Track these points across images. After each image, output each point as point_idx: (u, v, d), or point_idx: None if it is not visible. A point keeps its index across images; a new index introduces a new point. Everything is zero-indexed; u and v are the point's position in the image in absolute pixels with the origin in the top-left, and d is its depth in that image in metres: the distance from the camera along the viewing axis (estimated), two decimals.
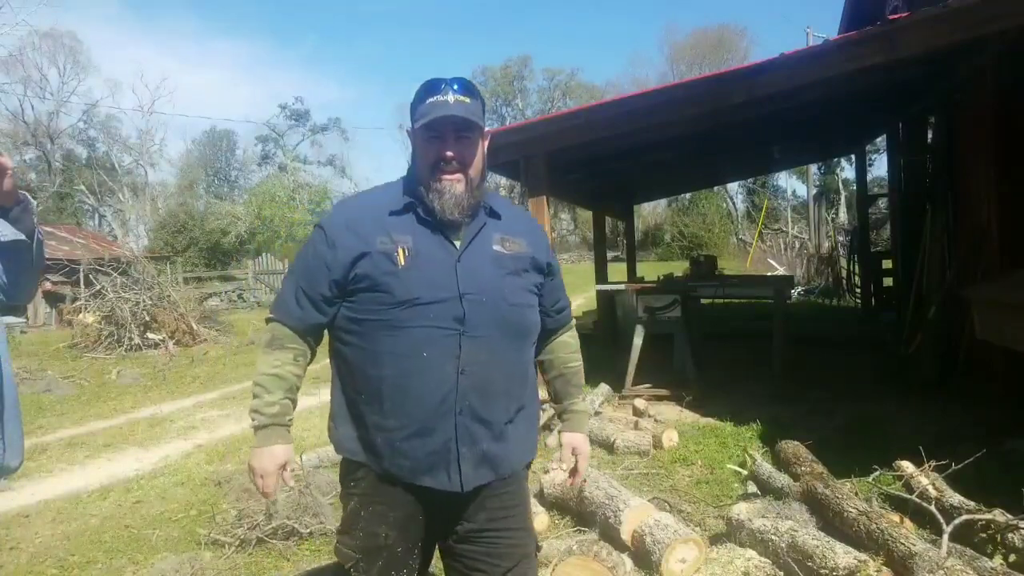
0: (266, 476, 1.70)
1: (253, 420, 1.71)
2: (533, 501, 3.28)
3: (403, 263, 1.61)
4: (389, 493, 1.69)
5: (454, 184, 1.65)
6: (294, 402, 1.74)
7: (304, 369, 1.76)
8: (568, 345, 1.99)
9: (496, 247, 1.71)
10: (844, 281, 14.71)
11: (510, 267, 1.71)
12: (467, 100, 1.66)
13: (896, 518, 2.99)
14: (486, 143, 1.76)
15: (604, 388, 6.12)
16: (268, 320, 1.77)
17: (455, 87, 1.66)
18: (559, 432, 1.96)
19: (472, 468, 1.65)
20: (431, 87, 1.67)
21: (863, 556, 2.59)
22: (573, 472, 1.96)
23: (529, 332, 1.78)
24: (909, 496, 3.27)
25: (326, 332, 1.78)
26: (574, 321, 2.04)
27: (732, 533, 3.10)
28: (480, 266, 1.67)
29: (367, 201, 1.78)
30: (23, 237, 1.69)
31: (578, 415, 1.99)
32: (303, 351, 1.74)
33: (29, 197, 1.72)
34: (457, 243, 1.68)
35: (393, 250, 1.62)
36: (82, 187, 38.62)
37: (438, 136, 1.65)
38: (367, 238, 1.64)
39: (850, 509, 2.94)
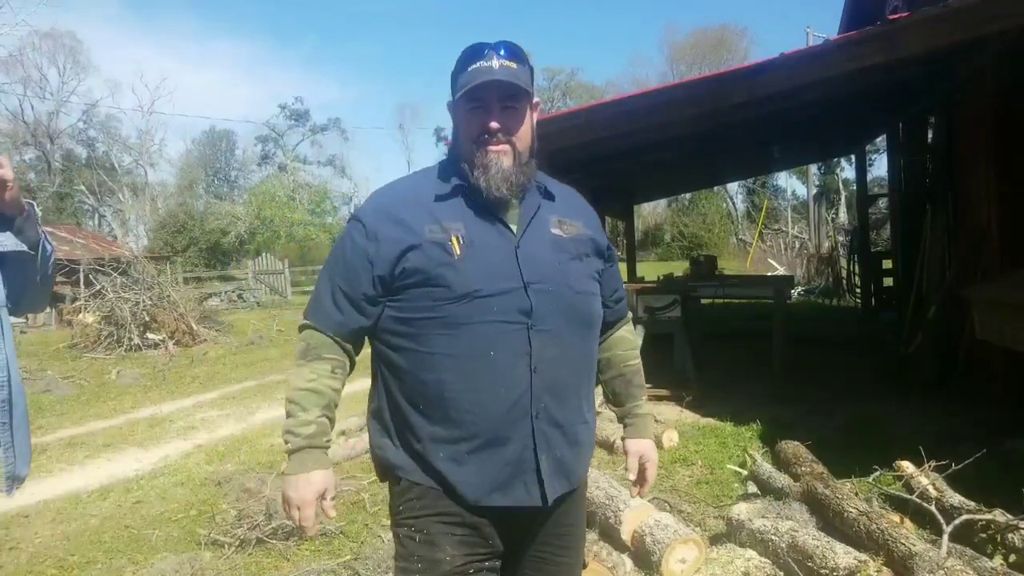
0: (303, 507, 1.48)
1: (286, 443, 1.51)
2: None
3: (459, 252, 1.44)
4: (451, 509, 1.47)
5: (500, 157, 1.48)
6: (332, 420, 1.54)
7: (343, 383, 1.56)
8: (627, 341, 1.81)
9: (554, 231, 1.55)
10: (844, 281, 14.70)
11: (572, 251, 1.55)
12: (513, 65, 1.48)
13: (896, 518, 2.99)
14: (535, 114, 1.59)
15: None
16: (302, 327, 1.56)
17: (501, 51, 1.48)
18: (622, 439, 1.80)
19: (548, 478, 1.47)
20: (474, 52, 1.49)
21: (863, 556, 2.59)
22: (641, 482, 1.77)
23: (595, 323, 1.61)
24: (909, 496, 3.27)
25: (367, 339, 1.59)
26: (631, 314, 1.87)
27: (732, 533, 3.10)
28: (541, 252, 1.50)
29: (407, 187, 1.59)
30: (25, 248, 1.63)
31: (642, 419, 1.79)
32: (341, 362, 1.54)
33: (35, 207, 1.66)
34: (513, 227, 1.51)
35: (446, 239, 1.45)
36: (82, 187, 38.63)
37: (481, 106, 1.48)
38: (414, 228, 1.46)
39: (850, 509, 2.94)
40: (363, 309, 1.51)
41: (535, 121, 1.59)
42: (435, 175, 1.57)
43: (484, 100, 1.48)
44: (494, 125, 1.48)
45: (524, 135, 1.53)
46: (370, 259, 1.48)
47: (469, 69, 1.48)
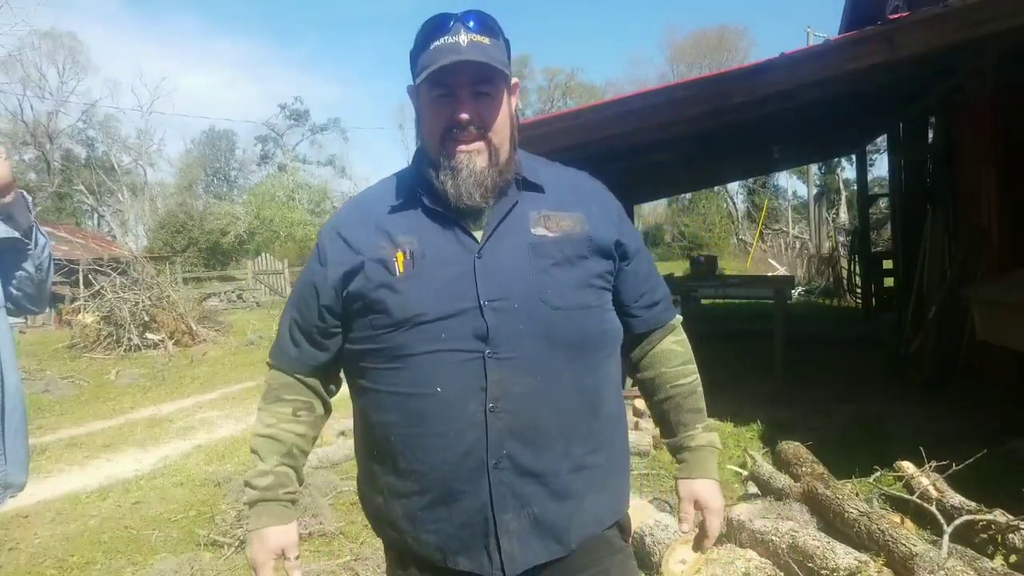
0: (257, 568, 1.31)
1: (245, 495, 1.36)
2: None
3: (402, 271, 1.22)
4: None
5: (472, 156, 1.23)
6: (296, 469, 1.37)
7: (312, 425, 1.39)
8: (674, 355, 1.45)
9: (536, 229, 1.26)
10: (844, 281, 14.70)
11: (556, 255, 1.25)
12: (486, 40, 1.21)
13: (897, 519, 2.99)
14: (515, 98, 1.32)
15: None
16: (269, 366, 1.42)
17: (469, 23, 1.21)
18: (675, 479, 1.46)
19: (519, 542, 1.21)
20: (436, 25, 1.22)
21: (864, 557, 2.59)
22: (699, 537, 1.41)
23: (592, 343, 1.28)
24: (910, 497, 3.27)
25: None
26: (679, 319, 1.50)
27: (733, 534, 3.09)
28: (510, 260, 1.23)
29: (368, 198, 1.38)
30: (17, 235, 1.60)
31: (698, 453, 1.42)
32: (306, 403, 1.37)
33: (24, 194, 1.61)
34: (478, 234, 1.26)
35: (391, 256, 1.24)
36: (81, 187, 38.57)
37: (448, 93, 1.22)
38: (362, 246, 1.27)
39: (851, 510, 2.94)
40: (318, 342, 1.34)
41: (515, 106, 1.32)
42: (400, 181, 1.36)
43: (451, 86, 1.22)
44: (464, 117, 1.22)
45: (501, 126, 1.26)
46: (317, 286, 1.31)
47: (432, 47, 1.22)
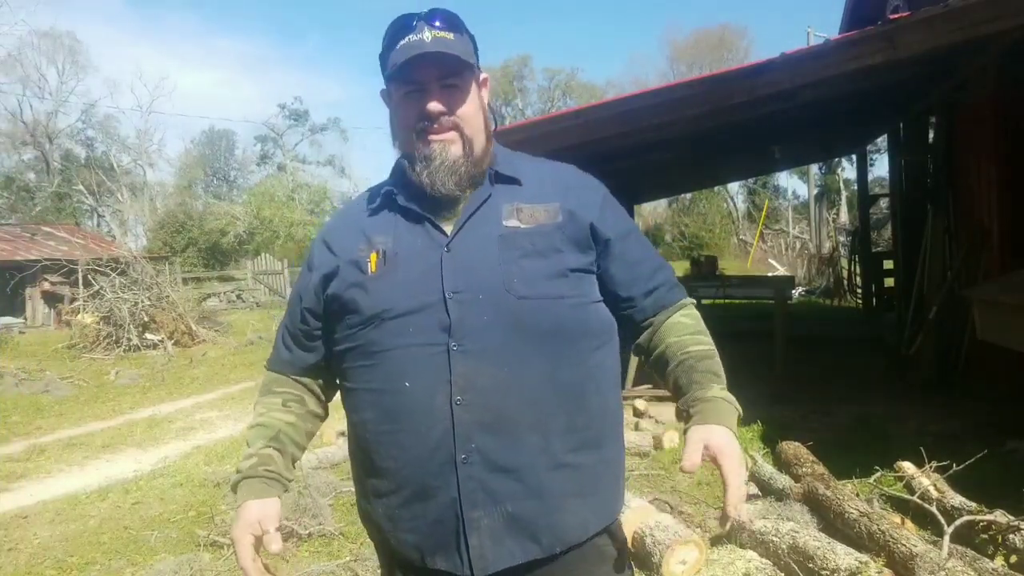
0: (235, 544, 1.27)
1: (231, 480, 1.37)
2: None
3: (374, 270, 1.24)
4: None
5: (446, 146, 1.24)
6: (282, 451, 1.35)
7: (302, 417, 1.39)
8: (683, 326, 1.34)
9: (509, 222, 1.25)
10: (845, 281, 14.70)
11: (526, 246, 1.23)
12: (450, 36, 1.24)
13: (897, 519, 2.98)
14: (485, 92, 1.33)
15: None
16: (266, 369, 1.47)
17: (434, 22, 1.23)
18: (685, 432, 1.26)
19: (491, 540, 1.17)
20: (401, 26, 1.24)
21: (864, 557, 2.59)
22: (725, 505, 1.20)
23: (569, 333, 1.23)
24: (910, 497, 3.26)
25: None
26: (688, 300, 1.39)
27: (733, 534, 3.09)
28: (478, 252, 1.22)
29: (354, 205, 1.41)
30: None
31: (714, 403, 1.26)
32: (296, 395, 1.39)
33: None
34: (448, 229, 1.26)
35: (366, 257, 1.25)
36: (80, 187, 38.54)
37: (417, 88, 1.24)
38: (342, 250, 1.30)
39: (851, 510, 2.93)
40: (304, 345, 1.37)
41: (487, 101, 1.33)
42: (379, 187, 1.37)
43: (420, 81, 1.23)
44: (433, 107, 1.23)
45: (472, 117, 1.27)
46: (302, 291, 1.35)
47: (398, 46, 1.24)
